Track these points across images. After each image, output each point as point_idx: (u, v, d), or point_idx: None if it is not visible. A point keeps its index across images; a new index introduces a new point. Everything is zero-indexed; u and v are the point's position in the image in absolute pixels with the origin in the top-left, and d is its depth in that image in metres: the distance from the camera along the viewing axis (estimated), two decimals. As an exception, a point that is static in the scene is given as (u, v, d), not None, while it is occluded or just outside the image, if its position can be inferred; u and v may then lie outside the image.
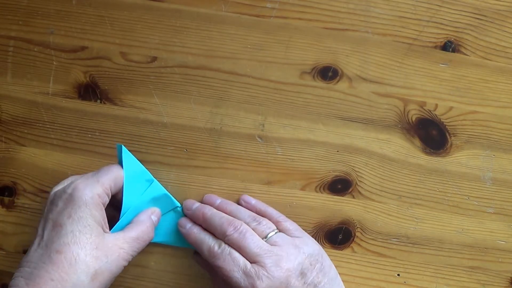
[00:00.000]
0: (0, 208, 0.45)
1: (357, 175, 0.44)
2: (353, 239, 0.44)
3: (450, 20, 0.44)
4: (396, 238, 0.44)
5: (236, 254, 0.39)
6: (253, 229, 0.40)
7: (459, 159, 0.45)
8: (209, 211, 0.42)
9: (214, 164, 0.44)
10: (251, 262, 0.38)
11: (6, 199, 0.45)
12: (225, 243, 0.39)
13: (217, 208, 0.42)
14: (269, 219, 0.42)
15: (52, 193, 0.39)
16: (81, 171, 0.44)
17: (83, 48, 0.45)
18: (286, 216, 0.43)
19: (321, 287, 0.39)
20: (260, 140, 0.45)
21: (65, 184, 0.40)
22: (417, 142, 0.45)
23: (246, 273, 0.38)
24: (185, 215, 0.43)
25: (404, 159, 0.45)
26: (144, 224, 0.40)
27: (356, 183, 0.45)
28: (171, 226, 0.43)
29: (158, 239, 0.43)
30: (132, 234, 0.39)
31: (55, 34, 0.45)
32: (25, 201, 0.44)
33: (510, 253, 0.45)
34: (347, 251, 0.44)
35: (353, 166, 0.45)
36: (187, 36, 0.44)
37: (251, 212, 0.42)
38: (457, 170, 0.45)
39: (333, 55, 0.44)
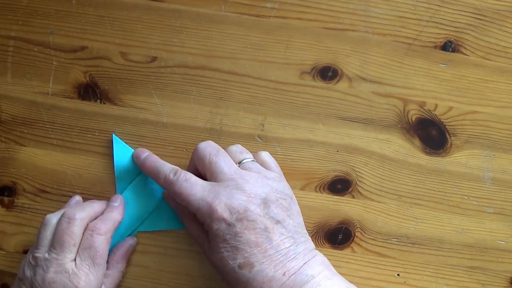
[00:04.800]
0: (0, 208, 0.45)
1: (357, 175, 0.45)
2: (353, 239, 0.44)
3: (450, 20, 0.44)
4: (396, 238, 0.44)
5: (193, 179, 0.38)
6: (230, 151, 0.40)
7: (459, 159, 0.45)
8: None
9: (214, 164, 0.44)
10: (214, 182, 0.38)
11: (6, 199, 0.45)
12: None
13: None
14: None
15: (37, 255, 0.38)
16: (81, 171, 0.44)
17: (83, 48, 0.45)
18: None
19: (285, 225, 0.37)
20: (260, 140, 0.45)
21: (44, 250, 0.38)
22: (417, 142, 0.45)
23: (205, 193, 0.37)
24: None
25: (404, 159, 0.45)
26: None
27: (356, 183, 0.45)
28: (162, 211, 0.43)
29: (149, 227, 0.43)
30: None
31: (55, 34, 0.45)
32: (25, 201, 0.44)
33: (510, 253, 0.45)
34: (347, 251, 0.44)
35: (353, 166, 0.45)
36: (187, 36, 0.44)
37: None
38: (457, 170, 0.45)
39: (333, 55, 0.44)
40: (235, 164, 0.39)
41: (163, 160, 0.44)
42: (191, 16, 0.44)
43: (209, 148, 0.39)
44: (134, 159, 0.42)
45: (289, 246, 0.37)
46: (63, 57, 0.45)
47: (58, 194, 0.44)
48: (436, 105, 0.45)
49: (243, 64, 0.45)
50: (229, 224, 0.36)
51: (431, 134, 0.45)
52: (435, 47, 0.45)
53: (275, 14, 0.44)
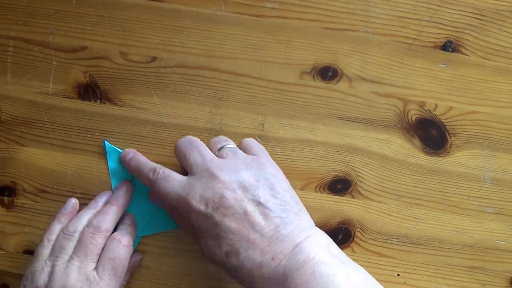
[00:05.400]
0: (0, 208, 0.45)
1: (357, 175, 0.45)
2: (353, 239, 0.44)
3: (450, 20, 0.44)
4: (396, 238, 0.44)
5: (170, 177, 0.37)
6: (210, 142, 0.39)
7: (459, 159, 0.45)
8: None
9: (214, 164, 0.44)
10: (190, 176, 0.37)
11: (6, 199, 0.45)
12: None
13: None
14: None
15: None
16: (81, 171, 0.44)
17: (83, 48, 0.45)
18: None
19: (268, 206, 0.35)
20: (260, 140, 0.45)
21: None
22: (417, 142, 0.45)
23: (180, 188, 0.36)
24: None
25: (404, 159, 0.45)
26: None
27: (356, 183, 0.45)
28: (157, 214, 0.43)
29: (147, 232, 0.43)
30: None
31: (55, 34, 0.45)
32: (25, 201, 0.44)
33: (510, 253, 0.45)
34: (347, 251, 0.44)
35: (353, 166, 0.45)
36: (187, 36, 0.44)
37: None
38: (457, 170, 0.45)
39: (333, 55, 0.44)
40: (211, 154, 0.38)
41: (163, 159, 0.44)
42: (191, 16, 0.44)
43: (185, 142, 0.39)
44: (121, 161, 0.43)
45: (275, 228, 0.34)
46: (63, 57, 0.45)
47: (58, 194, 0.44)
48: (436, 105, 0.45)
49: (243, 64, 0.45)
50: (207, 215, 0.35)
51: (431, 134, 0.45)
52: (435, 47, 0.45)
53: (275, 14, 0.44)
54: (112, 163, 0.44)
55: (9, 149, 0.45)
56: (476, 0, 0.44)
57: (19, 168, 0.45)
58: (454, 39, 0.45)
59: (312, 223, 0.37)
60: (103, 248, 0.39)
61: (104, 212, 0.41)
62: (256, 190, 0.36)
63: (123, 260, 0.39)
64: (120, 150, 0.44)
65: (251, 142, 0.41)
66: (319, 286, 0.32)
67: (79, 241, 0.39)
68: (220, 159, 0.38)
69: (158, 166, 0.39)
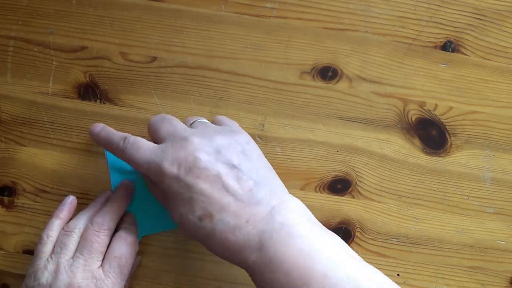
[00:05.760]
0: (0, 208, 0.45)
1: (357, 175, 0.45)
2: (353, 239, 0.44)
3: (450, 20, 0.44)
4: (396, 238, 0.44)
5: (141, 143, 0.36)
6: (184, 119, 0.39)
7: (459, 159, 0.45)
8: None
9: (214, 164, 0.44)
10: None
11: (6, 199, 0.45)
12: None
13: None
14: None
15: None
16: (81, 171, 0.44)
17: (83, 48, 0.45)
18: None
19: (241, 169, 0.34)
20: (260, 140, 0.45)
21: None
22: (417, 142, 0.45)
23: (153, 155, 0.36)
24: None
25: (404, 159, 0.45)
26: None
27: (356, 183, 0.45)
28: (157, 213, 0.43)
29: (147, 232, 0.43)
30: None
31: (55, 34, 0.45)
32: (25, 201, 0.44)
33: (510, 253, 0.45)
34: (347, 251, 0.44)
35: (353, 166, 0.45)
36: (187, 36, 0.45)
37: None
38: (457, 170, 0.45)
39: (333, 55, 0.44)
40: (183, 125, 0.38)
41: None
42: (191, 16, 0.44)
43: (158, 118, 0.38)
44: (90, 135, 0.41)
45: (249, 191, 0.34)
46: (63, 57, 0.45)
47: (58, 194, 0.44)
48: (436, 105, 0.45)
49: (243, 64, 0.45)
50: (180, 177, 0.34)
51: (431, 134, 0.45)
52: (435, 47, 0.45)
53: (275, 14, 0.44)
54: (111, 163, 0.44)
55: (9, 149, 0.45)
56: (476, 0, 0.44)
57: (19, 168, 0.45)
58: (454, 39, 0.45)
59: (285, 189, 0.36)
60: (107, 246, 0.39)
61: (107, 210, 0.41)
62: (229, 153, 0.35)
63: (129, 258, 0.39)
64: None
65: (223, 117, 0.41)
66: (296, 248, 0.32)
67: (83, 239, 0.38)
68: (194, 128, 0.37)
69: (128, 134, 0.38)
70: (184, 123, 0.39)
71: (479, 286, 0.45)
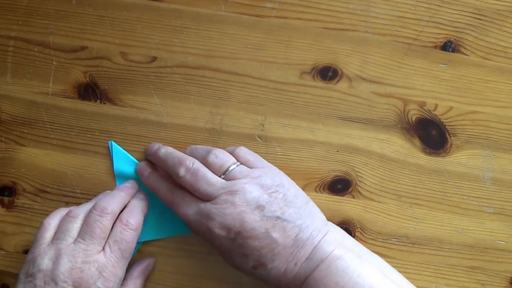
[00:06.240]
0: (0, 208, 0.45)
1: (357, 175, 0.45)
2: (353, 239, 0.44)
3: (450, 20, 0.44)
4: (396, 238, 0.44)
5: (188, 198, 0.38)
6: (210, 164, 0.39)
7: (459, 159, 0.45)
8: (164, 152, 0.41)
9: (214, 164, 0.44)
10: (206, 201, 0.38)
11: (6, 199, 0.45)
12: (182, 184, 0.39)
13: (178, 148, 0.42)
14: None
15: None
16: (81, 171, 0.44)
17: (83, 48, 0.45)
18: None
19: (285, 218, 0.37)
20: (260, 140, 0.45)
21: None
22: (417, 142, 0.45)
23: (199, 215, 0.37)
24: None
25: (404, 159, 0.45)
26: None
27: (356, 183, 0.45)
28: (164, 219, 0.43)
29: (152, 236, 0.43)
30: None
31: (55, 34, 0.45)
32: (25, 201, 0.44)
33: (510, 253, 0.45)
34: (347, 251, 0.44)
35: (353, 166, 0.45)
36: (187, 36, 0.44)
37: (208, 147, 0.42)
38: (457, 170, 0.45)
39: (333, 55, 0.44)
40: (218, 179, 0.38)
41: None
42: (191, 16, 0.44)
43: (184, 172, 0.39)
44: (138, 175, 0.43)
45: (295, 237, 0.37)
46: (63, 57, 0.45)
47: (58, 194, 0.44)
48: (436, 105, 0.45)
49: (243, 64, 0.45)
50: (229, 239, 0.37)
51: (431, 134, 0.45)
52: (435, 47, 0.45)
53: (275, 14, 0.44)
54: (118, 166, 0.44)
55: (9, 149, 0.45)
56: (476, 0, 0.44)
57: (19, 168, 0.45)
58: (454, 39, 0.45)
59: (323, 217, 0.39)
60: (109, 231, 0.39)
61: (111, 195, 0.41)
62: (271, 205, 0.37)
63: (131, 242, 0.39)
64: (129, 155, 0.44)
65: (245, 153, 0.41)
66: (335, 280, 0.35)
67: (85, 224, 0.38)
68: (230, 182, 0.38)
69: (174, 187, 0.40)
70: (217, 169, 0.39)
71: (479, 286, 0.45)
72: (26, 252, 0.44)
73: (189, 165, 0.39)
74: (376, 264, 0.37)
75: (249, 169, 0.39)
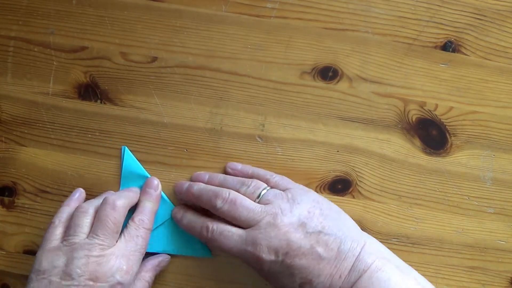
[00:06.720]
0: (0, 208, 0.45)
1: (357, 175, 0.45)
2: (353, 239, 0.44)
3: (450, 20, 0.44)
4: (396, 238, 0.44)
5: (227, 232, 0.38)
6: (243, 194, 0.40)
7: (459, 159, 0.45)
8: (197, 188, 0.41)
9: (214, 164, 0.44)
10: (247, 228, 0.38)
11: (6, 199, 0.45)
12: (219, 216, 0.39)
13: (207, 183, 0.42)
14: (258, 179, 0.42)
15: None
16: (81, 171, 0.44)
17: (83, 48, 0.45)
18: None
19: (326, 231, 0.38)
20: (260, 140, 0.45)
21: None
22: (417, 142, 0.45)
23: (244, 244, 0.38)
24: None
25: (404, 159, 0.45)
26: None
27: (356, 183, 0.45)
28: (172, 234, 0.43)
29: (159, 248, 0.43)
30: None
31: (55, 34, 0.45)
32: (25, 201, 0.44)
33: (510, 253, 0.45)
34: (347, 251, 0.44)
35: (353, 166, 0.45)
36: (187, 36, 0.44)
37: (239, 178, 0.42)
38: (457, 170, 0.45)
39: (333, 55, 0.44)
40: (256, 204, 0.39)
41: (163, 159, 0.44)
42: (191, 16, 0.44)
43: (220, 204, 0.39)
44: (173, 217, 0.43)
45: (337, 249, 0.37)
46: (64, 57, 0.45)
47: (58, 194, 0.44)
48: (436, 105, 0.45)
49: (243, 64, 0.45)
50: (278, 262, 0.37)
51: (431, 134, 0.45)
52: (435, 47, 0.45)
53: (275, 14, 0.44)
54: (126, 172, 0.44)
55: (10, 149, 0.45)
56: (476, 0, 0.44)
57: (20, 168, 0.45)
58: (454, 39, 0.45)
59: (356, 225, 0.40)
60: (121, 225, 0.39)
61: (119, 192, 0.42)
62: (312, 221, 0.38)
63: (146, 239, 0.40)
64: (139, 164, 0.44)
65: (276, 178, 0.42)
66: None
67: (97, 218, 0.39)
68: (267, 205, 0.39)
69: (209, 222, 0.40)
70: (250, 195, 0.40)
71: (479, 286, 0.45)
72: (26, 252, 0.44)
73: (226, 196, 0.39)
74: (413, 275, 0.38)
75: (281, 191, 0.40)
